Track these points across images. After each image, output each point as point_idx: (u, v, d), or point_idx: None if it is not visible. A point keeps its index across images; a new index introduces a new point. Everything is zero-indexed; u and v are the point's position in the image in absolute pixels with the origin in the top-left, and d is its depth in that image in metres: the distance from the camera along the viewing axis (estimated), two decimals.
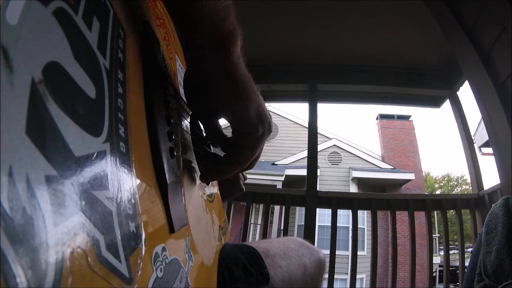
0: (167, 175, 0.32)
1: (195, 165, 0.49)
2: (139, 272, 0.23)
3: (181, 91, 0.49)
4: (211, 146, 0.58)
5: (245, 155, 0.45)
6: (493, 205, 0.64)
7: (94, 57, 0.23)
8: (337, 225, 2.05)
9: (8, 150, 0.13)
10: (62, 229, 0.16)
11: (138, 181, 0.26)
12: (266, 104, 0.46)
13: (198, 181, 0.49)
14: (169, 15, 0.38)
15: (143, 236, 0.25)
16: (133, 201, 0.25)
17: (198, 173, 0.50)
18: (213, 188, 0.63)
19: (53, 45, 0.18)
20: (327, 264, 1.87)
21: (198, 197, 0.49)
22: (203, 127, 0.53)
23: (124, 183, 0.24)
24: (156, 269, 0.26)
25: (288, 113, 11.53)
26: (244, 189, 0.69)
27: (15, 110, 0.14)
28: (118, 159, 0.23)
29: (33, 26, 0.16)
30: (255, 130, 0.43)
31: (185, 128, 0.47)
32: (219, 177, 0.49)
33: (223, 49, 0.37)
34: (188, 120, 0.50)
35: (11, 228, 0.13)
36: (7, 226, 0.12)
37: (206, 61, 0.38)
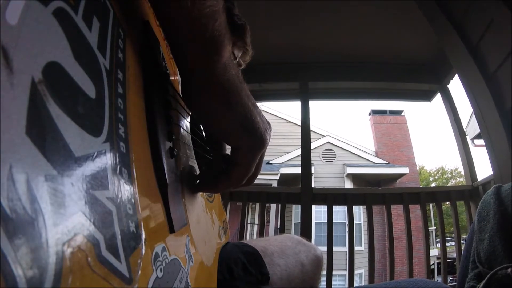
0: (167, 175, 0.32)
1: (195, 165, 0.49)
2: (139, 272, 0.23)
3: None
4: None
5: (238, 172, 0.41)
6: (484, 194, 0.65)
7: (94, 57, 0.23)
8: (334, 221, 2.06)
9: (8, 150, 0.13)
10: (62, 229, 0.16)
11: (138, 181, 0.26)
12: (258, 104, 0.43)
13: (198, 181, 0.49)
14: (155, 14, 0.37)
15: (143, 236, 0.25)
16: (133, 201, 0.25)
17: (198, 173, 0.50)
18: None
19: (53, 45, 0.18)
20: (325, 261, 1.87)
21: (198, 197, 0.48)
22: (203, 128, 0.52)
23: (124, 183, 0.24)
24: (156, 269, 0.26)
25: (281, 112, 11.54)
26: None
27: (15, 110, 0.14)
28: (118, 159, 0.23)
29: (33, 26, 0.16)
30: (235, 145, 0.41)
31: (185, 128, 0.46)
32: (214, 192, 0.47)
33: (203, 57, 0.34)
34: (188, 120, 0.49)
35: (11, 228, 0.12)
36: (7, 226, 0.12)
37: (185, 66, 0.36)
